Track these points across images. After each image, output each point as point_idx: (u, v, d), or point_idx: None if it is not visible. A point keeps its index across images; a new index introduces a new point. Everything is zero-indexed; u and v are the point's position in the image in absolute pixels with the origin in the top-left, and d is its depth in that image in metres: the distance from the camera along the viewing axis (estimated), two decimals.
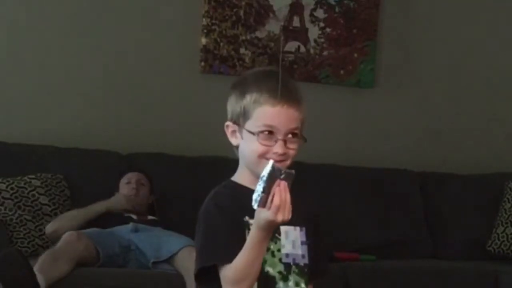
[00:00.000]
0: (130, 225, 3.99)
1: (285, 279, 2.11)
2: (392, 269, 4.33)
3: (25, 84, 4.53)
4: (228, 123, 2.15)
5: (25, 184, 4.15)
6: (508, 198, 4.84)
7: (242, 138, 2.12)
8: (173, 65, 4.76)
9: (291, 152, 2.09)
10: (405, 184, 4.90)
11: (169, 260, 3.79)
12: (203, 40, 4.78)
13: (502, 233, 4.76)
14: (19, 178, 4.15)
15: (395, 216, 4.78)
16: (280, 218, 1.96)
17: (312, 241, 2.14)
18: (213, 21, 4.78)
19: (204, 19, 4.77)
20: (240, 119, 2.11)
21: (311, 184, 4.59)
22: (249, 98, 2.09)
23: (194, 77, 4.76)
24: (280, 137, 2.07)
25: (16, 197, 4.12)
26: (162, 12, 4.75)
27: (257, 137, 2.07)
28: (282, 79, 2.10)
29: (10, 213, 4.07)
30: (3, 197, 4.09)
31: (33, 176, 4.18)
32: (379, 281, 4.21)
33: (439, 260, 4.71)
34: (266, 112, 2.07)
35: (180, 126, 4.73)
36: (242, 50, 4.84)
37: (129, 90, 4.70)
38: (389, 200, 4.81)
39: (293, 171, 2.00)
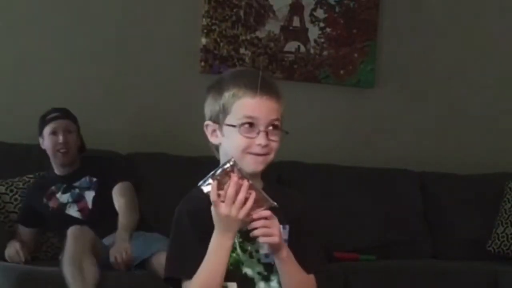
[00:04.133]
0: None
1: (266, 279, 2.09)
2: (392, 269, 4.33)
3: (25, 84, 4.53)
4: (207, 122, 2.13)
5: (24, 184, 4.14)
6: (508, 198, 4.84)
7: (223, 135, 2.10)
8: (173, 65, 4.76)
9: (273, 144, 2.08)
10: (405, 184, 4.90)
11: (145, 264, 3.74)
12: (203, 40, 4.78)
13: (502, 233, 4.76)
14: (17, 179, 4.14)
15: (395, 216, 4.78)
16: (224, 210, 1.95)
17: (298, 241, 2.09)
18: (213, 21, 4.78)
19: (204, 19, 4.77)
20: (220, 116, 2.09)
21: (311, 184, 4.61)
22: (227, 95, 2.08)
23: (194, 77, 4.75)
24: (261, 128, 2.06)
25: (15, 199, 4.11)
26: (162, 12, 4.75)
27: (239, 130, 2.05)
28: (260, 74, 2.10)
29: (9, 218, 4.07)
30: (3, 201, 4.08)
31: (32, 176, 4.17)
32: (379, 281, 4.21)
33: (439, 260, 4.72)
34: (246, 104, 2.06)
35: (180, 126, 4.73)
36: (242, 50, 4.84)
37: (129, 90, 4.70)
38: (389, 200, 4.81)
39: (272, 203, 1.99)
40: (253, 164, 2.07)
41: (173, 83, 4.77)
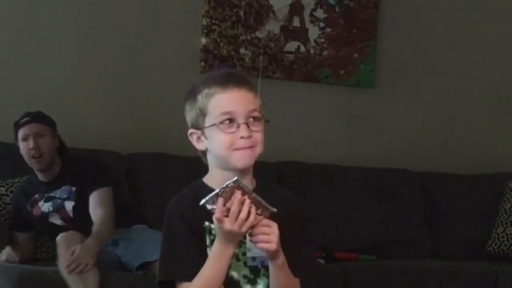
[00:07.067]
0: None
1: (252, 282, 2.08)
2: (392, 269, 4.33)
3: (25, 84, 4.53)
4: (190, 130, 2.14)
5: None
6: (508, 198, 4.84)
7: (207, 138, 2.10)
8: (173, 65, 4.76)
9: (257, 135, 2.07)
10: (405, 184, 4.90)
11: (148, 266, 3.68)
12: (203, 40, 4.77)
13: (502, 233, 4.76)
14: (17, 179, 4.12)
15: (395, 216, 4.78)
16: (227, 226, 1.96)
17: (287, 242, 2.06)
18: (213, 21, 4.78)
19: (204, 19, 4.77)
20: (199, 120, 2.10)
21: (311, 184, 4.61)
22: (200, 97, 2.09)
23: (194, 77, 4.73)
24: (241, 121, 2.05)
25: None
26: (162, 12, 4.75)
27: (219, 127, 2.05)
28: (229, 69, 2.11)
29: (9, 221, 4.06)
30: (3, 203, 4.07)
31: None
32: (379, 281, 4.21)
33: (439, 260, 4.72)
34: (220, 100, 2.07)
35: (180, 126, 4.68)
36: (242, 50, 4.84)
37: (129, 90, 4.70)
38: (389, 200, 4.81)
39: (272, 210, 2.00)
40: (242, 159, 2.06)
41: (173, 83, 4.76)
